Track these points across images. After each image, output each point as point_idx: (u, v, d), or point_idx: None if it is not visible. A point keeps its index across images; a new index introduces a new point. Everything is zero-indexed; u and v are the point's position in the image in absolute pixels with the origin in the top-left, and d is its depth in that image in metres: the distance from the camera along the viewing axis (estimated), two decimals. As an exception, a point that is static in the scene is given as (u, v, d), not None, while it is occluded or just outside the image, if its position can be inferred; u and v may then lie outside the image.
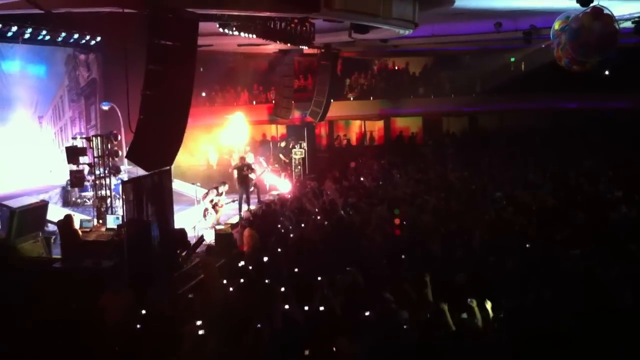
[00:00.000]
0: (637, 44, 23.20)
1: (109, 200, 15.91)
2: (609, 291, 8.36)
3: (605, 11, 12.52)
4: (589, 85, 26.54)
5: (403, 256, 10.80)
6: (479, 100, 30.13)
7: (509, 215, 13.67)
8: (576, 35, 12.81)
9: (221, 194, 17.50)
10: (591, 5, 12.05)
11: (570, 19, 13.09)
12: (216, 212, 17.13)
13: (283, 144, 25.70)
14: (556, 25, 13.95)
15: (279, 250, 12.13)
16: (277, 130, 29.57)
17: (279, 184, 22.57)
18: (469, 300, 8.00)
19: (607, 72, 28.69)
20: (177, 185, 17.62)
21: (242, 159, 19.54)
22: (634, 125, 27.07)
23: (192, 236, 14.76)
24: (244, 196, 18.81)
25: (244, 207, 18.69)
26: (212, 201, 17.03)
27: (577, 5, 12.15)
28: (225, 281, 10.79)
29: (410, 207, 14.78)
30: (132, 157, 11.45)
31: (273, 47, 21.53)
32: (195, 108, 15.91)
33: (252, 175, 19.42)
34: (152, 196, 12.38)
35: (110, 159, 16.19)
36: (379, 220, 13.50)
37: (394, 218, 13.60)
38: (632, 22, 16.10)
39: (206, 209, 16.92)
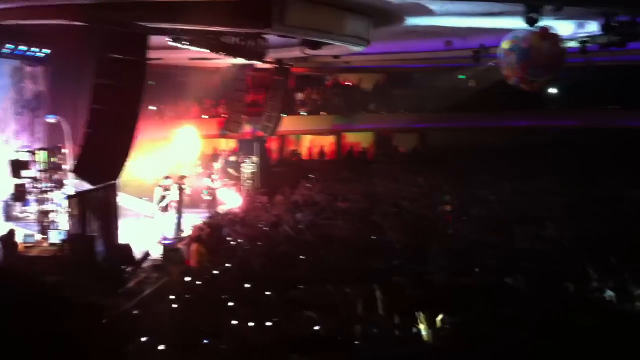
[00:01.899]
0: (584, 64, 23.91)
1: (52, 215, 15.54)
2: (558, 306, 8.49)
3: (552, 31, 12.84)
4: (540, 104, 27.22)
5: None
6: (430, 118, 30.54)
7: (467, 231, 13.83)
8: (525, 54, 13.09)
9: (168, 187, 17.56)
10: (538, 25, 12.33)
11: (519, 38, 13.35)
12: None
13: (233, 159, 25.57)
14: (505, 45, 14.20)
15: (227, 265, 12.03)
16: (227, 144, 29.34)
17: (229, 199, 22.39)
18: (416, 313, 8.06)
19: (555, 91, 29.48)
20: (123, 199, 17.37)
21: (182, 177, 19.35)
22: (585, 142, 28.04)
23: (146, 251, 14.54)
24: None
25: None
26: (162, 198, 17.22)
27: (525, 25, 12.41)
28: (172, 297, 10.63)
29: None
30: (77, 171, 11.26)
31: (225, 61, 21.41)
32: (145, 121, 15.70)
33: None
34: (97, 211, 12.16)
35: (55, 172, 15.85)
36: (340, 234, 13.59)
37: (445, 205, 13.80)
38: (578, 42, 16.51)
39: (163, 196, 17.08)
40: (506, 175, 23.01)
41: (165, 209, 17.62)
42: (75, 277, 11.35)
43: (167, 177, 18.37)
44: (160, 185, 17.83)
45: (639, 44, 16.00)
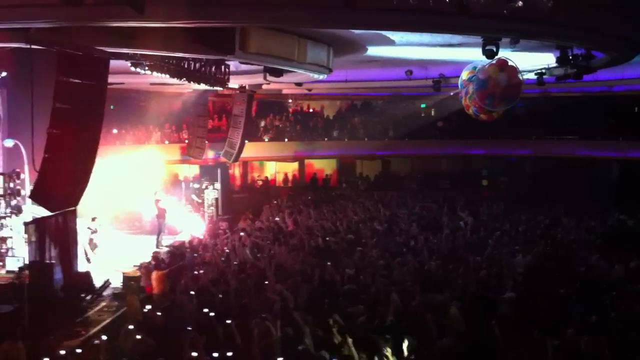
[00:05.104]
0: (540, 95, 24.52)
1: (9, 241, 15.21)
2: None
3: (510, 63, 13.15)
4: (496, 133, 27.77)
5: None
6: (391, 145, 30.96)
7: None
8: (483, 85, 13.38)
9: (95, 230, 16.93)
10: (496, 57, 12.61)
11: (477, 70, 13.65)
12: (93, 249, 16.55)
13: (196, 185, 25.45)
14: (464, 75, 14.53)
15: (191, 293, 11.86)
16: (190, 170, 29.18)
17: (191, 225, 22.18)
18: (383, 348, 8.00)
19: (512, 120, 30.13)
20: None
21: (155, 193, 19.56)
22: (536, 170, 28.67)
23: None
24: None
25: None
26: (90, 240, 16.49)
27: (484, 57, 12.68)
28: (131, 326, 10.44)
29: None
30: (35, 197, 11.06)
31: (187, 86, 21.38)
32: (105, 146, 15.54)
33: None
34: (56, 238, 11.95)
35: (13, 198, 15.55)
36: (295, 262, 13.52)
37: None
38: (535, 74, 16.91)
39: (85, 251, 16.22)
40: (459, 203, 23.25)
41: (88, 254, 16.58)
42: (33, 306, 11.13)
43: (94, 219, 17.44)
44: (88, 228, 16.98)
45: (594, 76, 16.54)
